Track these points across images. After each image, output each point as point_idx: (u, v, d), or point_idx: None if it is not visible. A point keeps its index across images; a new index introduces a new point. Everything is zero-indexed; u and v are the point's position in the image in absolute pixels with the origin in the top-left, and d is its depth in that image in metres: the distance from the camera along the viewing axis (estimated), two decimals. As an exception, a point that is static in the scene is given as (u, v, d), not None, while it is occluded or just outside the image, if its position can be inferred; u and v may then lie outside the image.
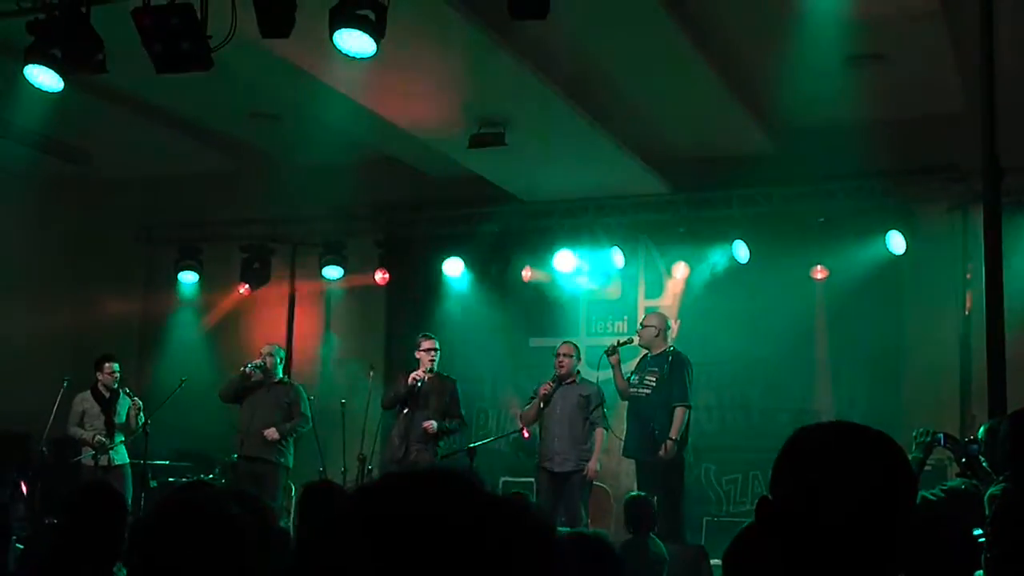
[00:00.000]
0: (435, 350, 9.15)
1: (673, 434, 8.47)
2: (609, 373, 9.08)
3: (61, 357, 11.43)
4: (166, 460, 10.86)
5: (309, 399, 9.71)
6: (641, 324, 9.23)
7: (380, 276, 11.53)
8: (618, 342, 9.05)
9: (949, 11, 7.73)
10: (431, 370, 9.08)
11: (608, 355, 8.89)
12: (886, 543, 1.62)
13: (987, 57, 6.02)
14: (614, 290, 11.17)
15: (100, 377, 9.80)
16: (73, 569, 3.47)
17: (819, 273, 10.14)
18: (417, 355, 9.23)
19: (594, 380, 9.30)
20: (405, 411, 9.08)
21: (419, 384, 9.02)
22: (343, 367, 11.33)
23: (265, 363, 9.59)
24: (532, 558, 1.19)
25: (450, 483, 1.18)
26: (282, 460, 9.46)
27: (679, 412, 8.58)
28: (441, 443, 9.16)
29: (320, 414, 9.77)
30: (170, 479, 10.15)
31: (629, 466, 10.28)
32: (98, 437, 9.56)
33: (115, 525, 3.57)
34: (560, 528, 8.51)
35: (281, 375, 9.82)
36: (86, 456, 9.58)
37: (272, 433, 9.33)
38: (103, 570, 3.51)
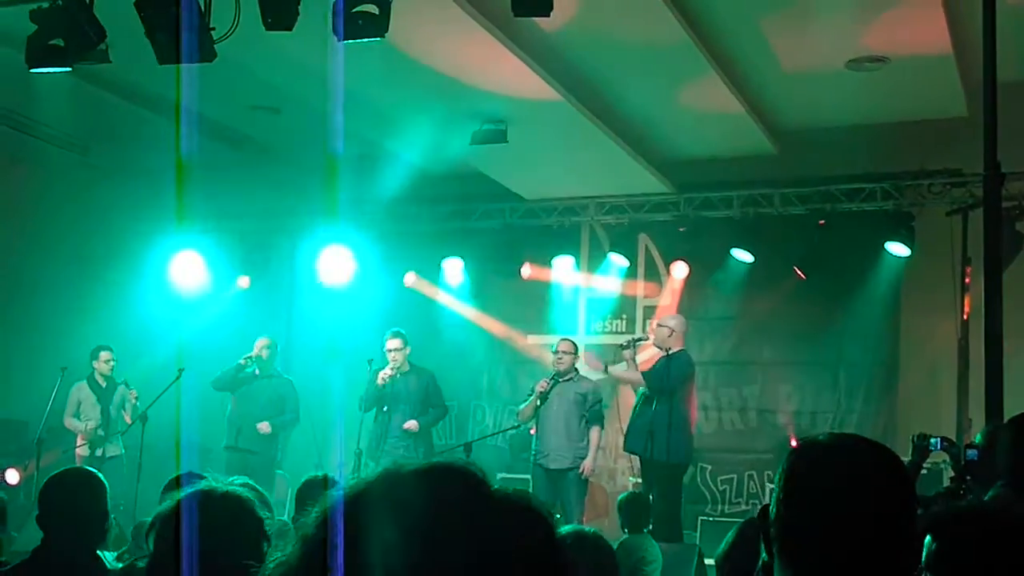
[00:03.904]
0: (398, 349, 9.15)
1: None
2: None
3: (58, 346, 11.41)
4: (162, 451, 10.83)
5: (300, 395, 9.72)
6: (658, 324, 9.21)
7: (379, 271, 11.52)
8: (633, 339, 9.08)
9: (951, 14, 7.73)
10: (399, 368, 9.09)
11: (622, 349, 8.94)
12: (890, 555, 1.62)
13: (989, 61, 6.02)
14: (613, 289, 11.16)
15: (96, 367, 9.81)
16: (53, 555, 3.47)
17: (817, 275, 10.13)
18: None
19: (595, 378, 9.30)
20: (382, 411, 9.11)
21: (387, 384, 9.03)
22: (342, 361, 11.30)
23: (261, 355, 9.59)
24: None
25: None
26: (273, 453, 9.47)
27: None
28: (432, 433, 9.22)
29: (318, 409, 9.76)
30: (166, 470, 10.12)
31: (626, 464, 10.30)
32: (90, 424, 9.55)
33: (91, 510, 3.57)
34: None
35: (276, 367, 9.82)
36: (82, 446, 9.58)
37: (265, 427, 9.34)
38: (85, 554, 3.52)
